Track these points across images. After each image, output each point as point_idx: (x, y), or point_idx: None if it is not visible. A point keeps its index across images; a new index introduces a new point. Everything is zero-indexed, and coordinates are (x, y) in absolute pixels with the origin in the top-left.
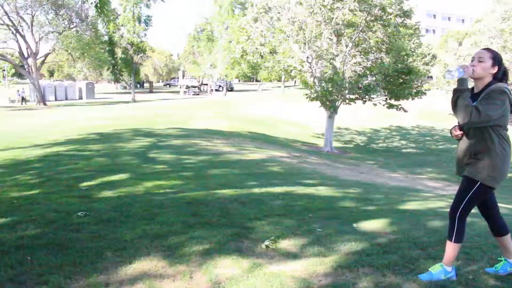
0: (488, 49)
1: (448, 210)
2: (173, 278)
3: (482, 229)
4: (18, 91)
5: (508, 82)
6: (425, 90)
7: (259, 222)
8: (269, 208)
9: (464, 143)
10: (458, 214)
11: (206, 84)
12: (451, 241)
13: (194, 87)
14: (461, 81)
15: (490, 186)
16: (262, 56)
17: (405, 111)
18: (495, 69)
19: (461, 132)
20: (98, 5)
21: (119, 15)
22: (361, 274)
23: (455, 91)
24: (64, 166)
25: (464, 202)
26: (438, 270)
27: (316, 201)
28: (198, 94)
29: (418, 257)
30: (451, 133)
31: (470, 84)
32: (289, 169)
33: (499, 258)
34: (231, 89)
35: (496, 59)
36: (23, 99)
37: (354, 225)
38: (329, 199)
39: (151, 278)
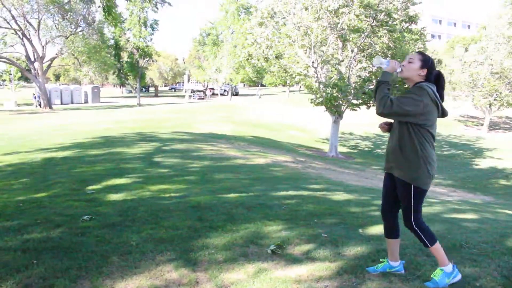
0: (420, 52)
1: (451, 216)
2: (179, 283)
3: (489, 236)
4: (33, 94)
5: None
6: None
7: (264, 227)
8: (274, 213)
9: (391, 140)
10: (413, 223)
11: (212, 89)
12: (428, 247)
13: (199, 91)
14: (384, 74)
15: (421, 187)
16: (267, 60)
17: None
18: (424, 72)
19: (386, 125)
20: (105, 8)
21: (125, 19)
22: (367, 280)
23: (377, 82)
24: (70, 169)
25: (412, 210)
26: (440, 275)
27: (321, 206)
28: (203, 99)
29: (424, 263)
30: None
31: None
32: (294, 174)
33: (381, 259)
34: (236, 94)
35: (426, 62)
36: (40, 103)
37: (360, 230)
38: (335, 204)
39: (157, 282)
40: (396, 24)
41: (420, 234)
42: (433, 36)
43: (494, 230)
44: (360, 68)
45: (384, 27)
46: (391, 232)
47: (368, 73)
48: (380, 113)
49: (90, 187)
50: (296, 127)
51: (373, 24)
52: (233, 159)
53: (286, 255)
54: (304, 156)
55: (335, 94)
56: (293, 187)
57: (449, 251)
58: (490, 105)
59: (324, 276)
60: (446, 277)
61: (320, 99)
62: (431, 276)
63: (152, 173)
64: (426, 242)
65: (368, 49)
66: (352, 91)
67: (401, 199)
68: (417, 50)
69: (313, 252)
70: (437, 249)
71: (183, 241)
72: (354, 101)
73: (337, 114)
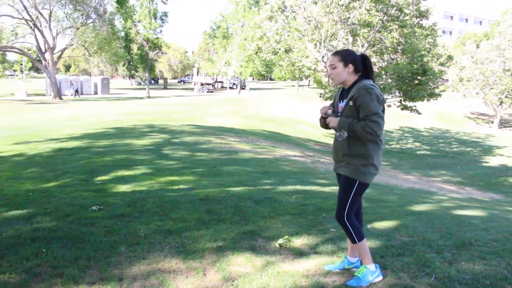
0: (336, 53)
1: (460, 213)
2: (187, 275)
3: (499, 234)
4: (72, 84)
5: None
6: (440, 91)
7: (272, 221)
8: (282, 207)
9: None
10: (345, 217)
11: (221, 82)
12: (355, 243)
13: (208, 84)
14: (340, 123)
15: (367, 182)
16: (276, 53)
17: (419, 113)
18: (351, 68)
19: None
20: (119, 0)
21: (136, 11)
22: None
23: (347, 131)
24: (79, 160)
25: (348, 204)
26: (364, 272)
27: (329, 201)
28: (212, 92)
29: (433, 260)
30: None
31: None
32: (302, 168)
33: (339, 256)
34: (244, 87)
35: (346, 58)
36: (77, 91)
37: (369, 226)
38: None
39: (164, 274)
40: (407, 19)
41: (350, 228)
42: (444, 32)
43: (504, 228)
44: None
45: (395, 22)
46: None
47: (378, 68)
48: (379, 134)
49: (99, 178)
50: (305, 121)
51: (384, 19)
52: (241, 153)
53: (294, 249)
54: (313, 151)
55: None
56: (302, 182)
57: (458, 248)
58: (501, 102)
59: (332, 270)
60: (369, 274)
61: (329, 94)
62: (355, 274)
63: (161, 165)
64: (354, 237)
65: (378, 44)
66: None
67: (341, 191)
68: (331, 53)
69: (321, 247)
70: (364, 246)
71: (191, 233)
72: None
73: None
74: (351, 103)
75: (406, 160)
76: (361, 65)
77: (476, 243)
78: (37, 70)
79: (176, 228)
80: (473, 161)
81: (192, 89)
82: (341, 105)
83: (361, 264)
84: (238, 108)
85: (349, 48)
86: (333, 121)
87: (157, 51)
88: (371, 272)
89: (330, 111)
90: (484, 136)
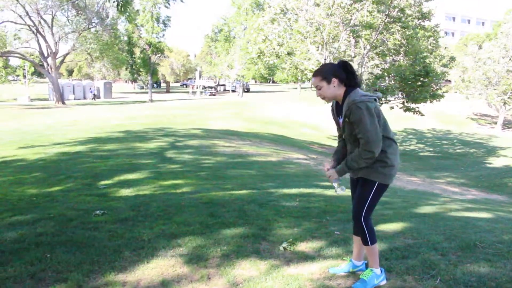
0: (315, 74)
1: (465, 215)
2: (191, 279)
3: (504, 236)
4: (90, 88)
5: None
6: (443, 92)
7: (276, 224)
8: (286, 210)
9: (352, 149)
10: (362, 219)
11: (224, 85)
12: (367, 245)
13: (211, 87)
14: (339, 172)
15: (386, 184)
16: (278, 57)
17: (422, 114)
18: (335, 82)
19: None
20: (120, 4)
21: (139, 15)
22: None
23: (348, 168)
24: (83, 164)
25: (366, 206)
26: (370, 276)
27: (333, 204)
28: (214, 95)
29: (438, 262)
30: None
31: None
32: (306, 171)
33: (344, 258)
34: (247, 90)
35: (327, 73)
36: (95, 96)
37: None
38: (347, 202)
39: (169, 278)
40: (409, 21)
41: (365, 230)
42: (446, 33)
43: (509, 230)
44: (372, 65)
45: (397, 24)
46: None
47: (381, 70)
48: (377, 152)
49: (103, 182)
50: (308, 124)
51: (386, 20)
52: (245, 156)
53: (298, 252)
54: (316, 153)
55: None
56: (305, 184)
57: (463, 250)
58: (504, 103)
59: (337, 273)
60: (375, 278)
61: None
62: (360, 276)
63: (164, 168)
64: (368, 239)
65: (380, 46)
66: (364, 88)
67: (359, 192)
68: (312, 74)
69: (326, 250)
70: (375, 249)
71: (195, 237)
72: None
73: None
74: (347, 119)
75: (410, 161)
76: (344, 73)
77: (481, 245)
78: (39, 75)
79: (180, 232)
80: (477, 163)
81: (194, 92)
82: (341, 121)
83: (367, 267)
84: (241, 111)
85: (326, 62)
86: (333, 175)
87: (160, 55)
88: (376, 275)
89: (327, 168)
90: (487, 137)
